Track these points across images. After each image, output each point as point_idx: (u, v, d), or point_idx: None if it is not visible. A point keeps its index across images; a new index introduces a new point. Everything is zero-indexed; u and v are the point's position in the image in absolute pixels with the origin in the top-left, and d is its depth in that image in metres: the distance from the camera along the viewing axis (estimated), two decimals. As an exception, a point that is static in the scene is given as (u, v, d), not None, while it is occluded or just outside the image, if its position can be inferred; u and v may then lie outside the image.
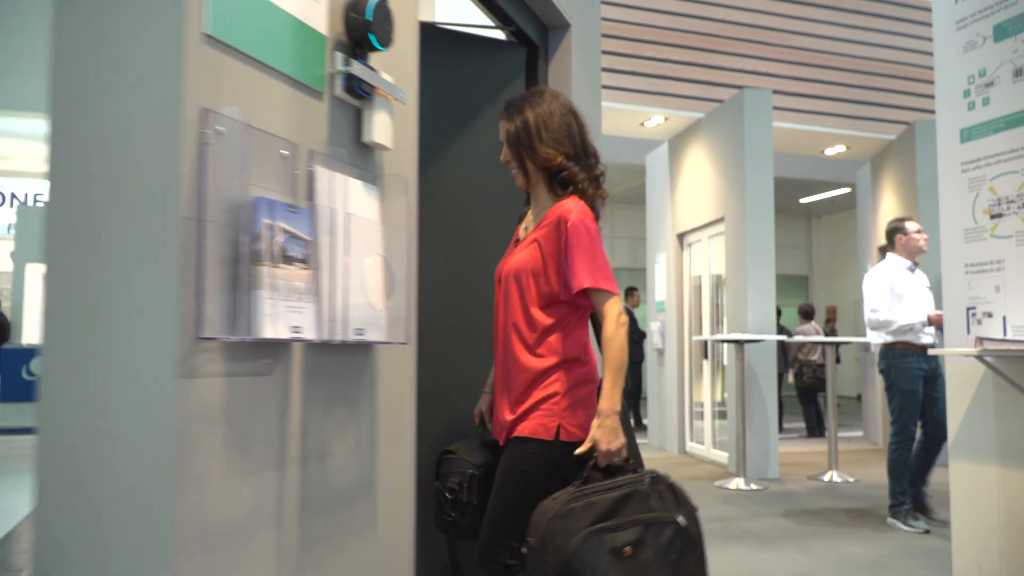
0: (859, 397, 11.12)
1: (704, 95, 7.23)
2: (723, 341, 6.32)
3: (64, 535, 1.10)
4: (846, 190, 12.53)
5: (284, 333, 1.18)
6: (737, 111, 6.55)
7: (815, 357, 8.85)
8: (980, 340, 2.71)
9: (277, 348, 1.26)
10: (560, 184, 1.96)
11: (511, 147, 1.96)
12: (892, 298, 4.54)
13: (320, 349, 1.38)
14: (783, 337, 7.31)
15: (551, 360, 1.89)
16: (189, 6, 1.10)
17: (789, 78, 7.53)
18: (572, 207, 1.90)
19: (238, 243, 1.16)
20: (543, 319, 1.91)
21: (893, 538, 4.34)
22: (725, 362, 7.01)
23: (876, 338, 4.66)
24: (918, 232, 4.62)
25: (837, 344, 6.78)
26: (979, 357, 2.83)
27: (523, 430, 1.87)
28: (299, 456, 1.31)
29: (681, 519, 1.75)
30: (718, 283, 7.21)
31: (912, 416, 4.51)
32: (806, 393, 8.99)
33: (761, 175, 6.43)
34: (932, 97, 7.94)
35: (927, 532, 4.43)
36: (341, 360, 1.46)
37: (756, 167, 6.42)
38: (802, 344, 8.80)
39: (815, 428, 9.06)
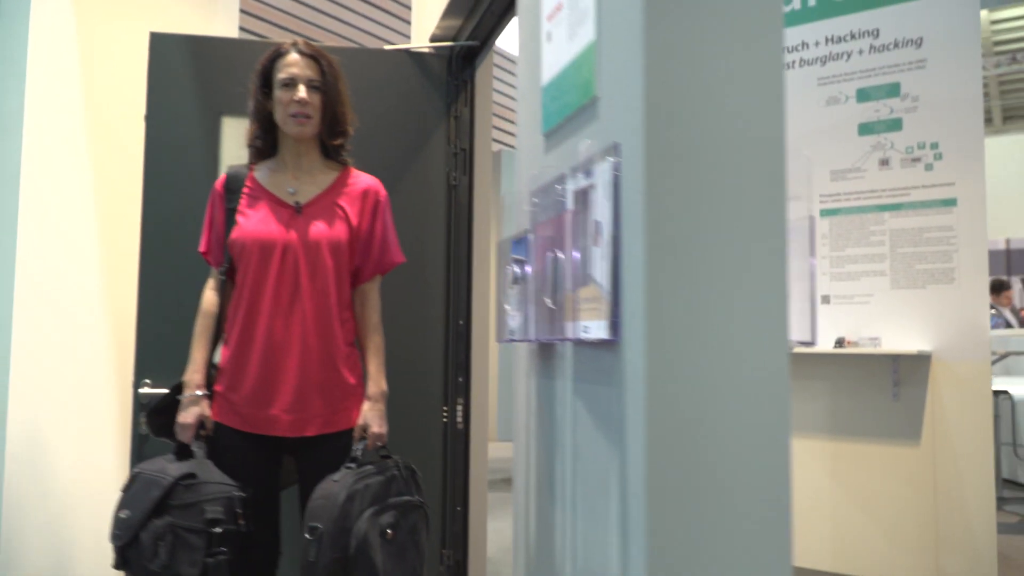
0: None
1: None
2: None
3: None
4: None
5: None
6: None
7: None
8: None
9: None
10: (334, 151, 1.92)
11: (325, 94, 1.85)
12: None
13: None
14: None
15: (352, 340, 1.90)
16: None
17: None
18: (376, 181, 1.94)
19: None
20: (347, 296, 1.89)
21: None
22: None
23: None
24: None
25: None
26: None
27: (350, 420, 1.85)
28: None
29: (423, 502, 1.82)
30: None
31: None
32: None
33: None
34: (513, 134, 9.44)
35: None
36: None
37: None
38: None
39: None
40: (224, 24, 3.24)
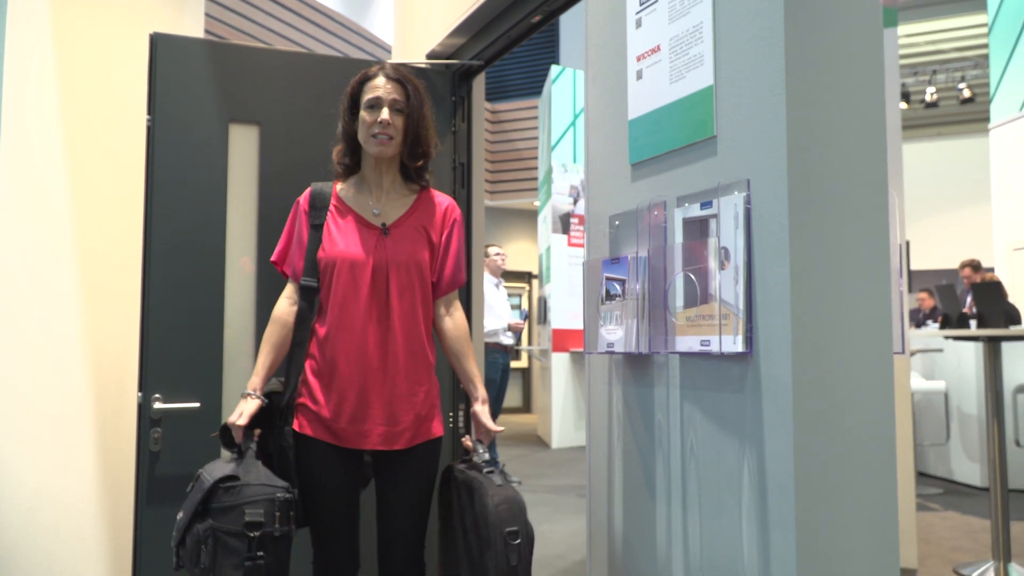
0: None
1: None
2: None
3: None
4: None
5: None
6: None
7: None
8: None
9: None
10: (417, 173, 1.98)
11: (408, 117, 1.91)
12: (484, 308, 5.63)
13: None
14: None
15: (433, 356, 1.98)
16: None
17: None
18: (452, 201, 2.04)
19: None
20: (430, 315, 1.98)
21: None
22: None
23: (475, 339, 5.69)
24: (497, 255, 5.82)
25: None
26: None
27: (437, 430, 1.95)
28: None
29: None
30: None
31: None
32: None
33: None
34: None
35: (504, 491, 5.65)
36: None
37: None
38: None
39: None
40: (191, 23, 3.17)
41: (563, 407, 8.15)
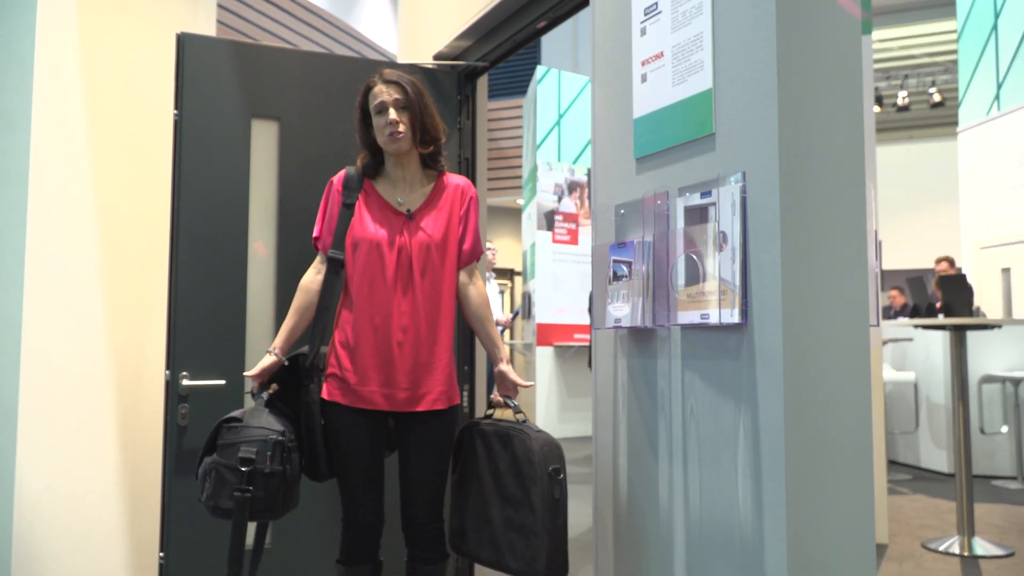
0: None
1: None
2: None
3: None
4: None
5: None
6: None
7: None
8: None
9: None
10: (432, 159, 2.19)
11: (411, 111, 2.09)
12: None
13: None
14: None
15: (451, 329, 2.15)
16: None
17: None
18: (467, 180, 2.24)
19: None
20: (452, 290, 2.16)
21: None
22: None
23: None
24: (488, 249, 6.00)
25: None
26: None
27: (455, 398, 2.13)
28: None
29: None
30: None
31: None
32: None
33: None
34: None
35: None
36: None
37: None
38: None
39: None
40: (204, 23, 3.31)
41: (547, 400, 8.34)
